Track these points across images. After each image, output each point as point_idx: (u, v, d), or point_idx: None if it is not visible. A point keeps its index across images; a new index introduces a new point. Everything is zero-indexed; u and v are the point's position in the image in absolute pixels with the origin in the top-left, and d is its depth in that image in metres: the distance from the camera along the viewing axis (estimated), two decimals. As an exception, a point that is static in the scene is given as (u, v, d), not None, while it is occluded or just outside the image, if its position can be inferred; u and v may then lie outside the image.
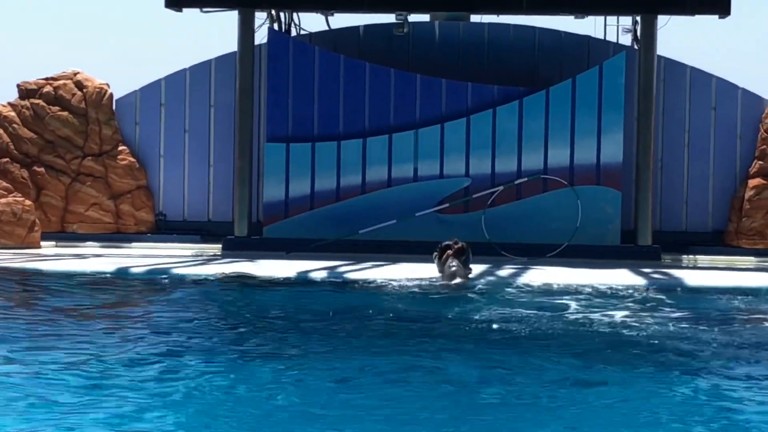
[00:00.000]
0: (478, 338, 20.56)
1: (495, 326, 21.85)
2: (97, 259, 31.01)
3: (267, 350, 19.16)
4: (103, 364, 17.31)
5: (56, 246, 32.97)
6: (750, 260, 32.27)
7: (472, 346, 19.52)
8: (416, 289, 26.54)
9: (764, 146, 33.18)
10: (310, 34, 35.12)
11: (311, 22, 35.69)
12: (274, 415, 14.49)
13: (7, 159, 33.99)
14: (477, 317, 22.73)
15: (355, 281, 28.71)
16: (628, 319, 23.02)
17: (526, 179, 32.53)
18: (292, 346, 20.15)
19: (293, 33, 35.00)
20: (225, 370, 17.20)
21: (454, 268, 26.70)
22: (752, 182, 32.88)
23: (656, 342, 20.41)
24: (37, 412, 14.31)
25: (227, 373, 16.98)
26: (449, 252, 27.58)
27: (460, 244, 27.60)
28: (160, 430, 13.31)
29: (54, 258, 31.60)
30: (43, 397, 15.07)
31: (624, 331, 22.24)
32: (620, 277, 28.68)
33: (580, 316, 23.46)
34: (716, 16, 32.24)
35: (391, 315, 23.01)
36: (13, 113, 34.34)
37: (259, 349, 19.32)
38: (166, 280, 28.28)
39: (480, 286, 27.26)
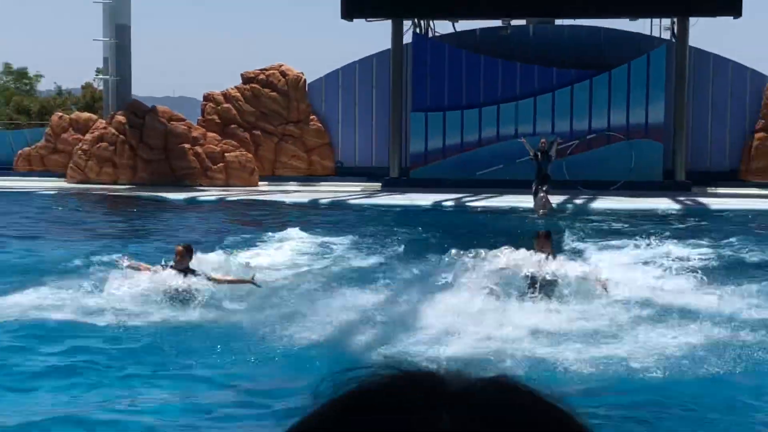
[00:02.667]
0: (559, 241, 22.13)
1: (571, 229, 25.13)
2: (294, 194, 33.90)
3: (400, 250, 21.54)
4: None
5: (268, 185, 36.50)
6: (757, 191, 34.05)
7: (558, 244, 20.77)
8: (518, 212, 29.28)
9: (766, 110, 36.08)
10: (441, 35, 38.29)
11: (442, 26, 38.67)
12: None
13: (235, 125, 38.06)
14: (557, 231, 24.11)
15: (473, 207, 31.54)
16: (666, 223, 26.73)
17: (594, 135, 35.76)
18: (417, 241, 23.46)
19: (429, 35, 38.07)
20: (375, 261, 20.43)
21: (542, 200, 28.72)
22: (757, 135, 36.01)
23: (691, 236, 24.02)
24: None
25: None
26: (542, 151, 29.37)
27: (543, 145, 29.73)
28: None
29: (267, 193, 34.57)
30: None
31: (664, 224, 26.30)
32: (663, 203, 31.28)
33: (624, 224, 26.65)
34: (732, 17, 34.98)
35: (502, 229, 25.44)
36: (238, 94, 38.45)
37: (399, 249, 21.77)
38: (341, 206, 31.29)
39: (560, 210, 29.97)
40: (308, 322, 14.46)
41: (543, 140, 30.39)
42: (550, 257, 14.30)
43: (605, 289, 14.10)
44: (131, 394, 11.24)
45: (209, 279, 14.46)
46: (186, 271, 14.29)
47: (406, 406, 0.81)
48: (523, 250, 14.88)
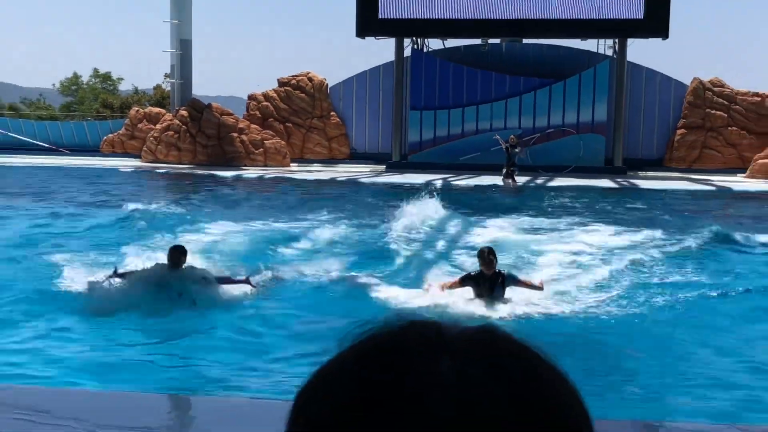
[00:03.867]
0: (522, 209, 23.02)
1: (531, 204, 24.64)
2: (317, 172, 34.31)
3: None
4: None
5: (297, 166, 36.86)
6: (677, 174, 34.48)
7: (517, 212, 22.21)
8: (490, 189, 29.12)
9: (686, 111, 36.39)
10: (434, 50, 38.11)
11: (435, 43, 38.42)
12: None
13: (272, 119, 38.49)
14: (521, 202, 25.34)
15: (451, 184, 31.28)
16: (605, 200, 26.66)
17: (552, 130, 35.84)
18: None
19: (424, 50, 37.90)
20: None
21: (509, 181, 29.25)
22: (678, 131, 36.44)
23: (620, 206, 24.39)
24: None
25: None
26: (512, 146, 29.43)
27: (512, 140, 29.89)
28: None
29: (296, 172, 34.89)
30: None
31: (603, 200, 26.19)
32: (604, 182, 31.62)
33: (578, 200, 26.31)
34: (660, 39, 35.15)
35: (478, 201, 25.45)
36: (274, 94, 38.92)
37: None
38: (355, 183, 31.43)
39: (523, 188, 30.10)
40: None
41: (512, 136, 30.74)
42: (491, 293, 10.91)
43: (542, 287, 11.37)
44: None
45: (205, 278, 11.62)
46: (181, 269, 11.47)
47: (411, 349, 0.77)
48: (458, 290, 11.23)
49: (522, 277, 11.72)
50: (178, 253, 11.60)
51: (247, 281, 11.98)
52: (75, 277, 12.84)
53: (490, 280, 10.74)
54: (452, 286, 11.00)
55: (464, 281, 10.91)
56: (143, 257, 13.92)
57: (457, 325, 0.81)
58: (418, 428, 0.72)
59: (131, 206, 21.58)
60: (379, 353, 0.78)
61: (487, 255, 10.85)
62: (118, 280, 11.57)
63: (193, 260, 12.68)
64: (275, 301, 12.05)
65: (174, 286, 11.39)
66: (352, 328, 0.81)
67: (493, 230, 19.12)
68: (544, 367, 0.80)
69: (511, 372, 0.77)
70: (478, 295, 10.85)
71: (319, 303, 12.02)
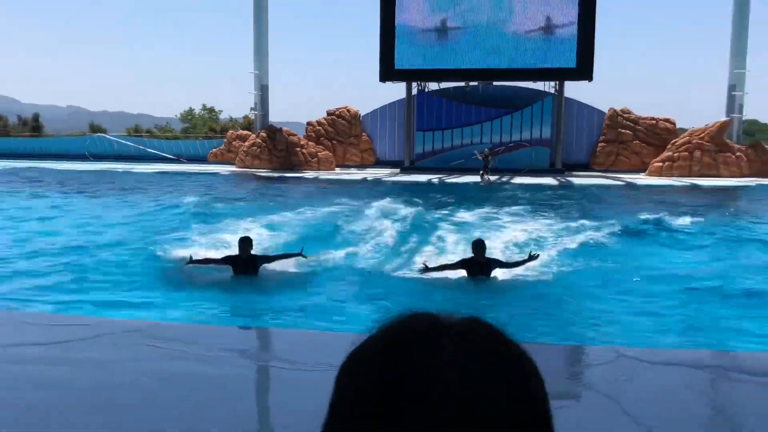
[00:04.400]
0: (494, 197, 22.77)
1: (501, 194, 24.56)
2: (353, 174, 33.79)
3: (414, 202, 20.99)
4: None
5: (340, 170, 36.46)
6: (599, 174, 33.98)
7: (491, 200, 21.55)
8: (471, 184, 28.85)
9: (605, 129, 36.10)
10: (432, 90, 37.41)
11: (432, 85, 37.44)
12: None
13: (323, 137, 38.44)
14: (493, 193, 25.34)
15: (445, 181, 30.83)
16: (550, 191, 26.43)
17: (512, 144, 35.74)
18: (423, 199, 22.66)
19: (425, 90, 37.28)
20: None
21: (485, 179, 29.22)
22: (600, 144, 36.27)
23: (564, 198, 23.40)
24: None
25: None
26: (486, 155, 29.48)
27: (486, 152, 30.08)
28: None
29: (339, 174, 34.46)
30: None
31: (548, 191, 25.79)
32: (549, 180, 31.10)
33: (528, 192, 25.81)
34: (587, 81, 34.51)
35: (463, 191, 25.57)
36: (324, 121, 38.89)
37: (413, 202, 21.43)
38: (379, 181, 30.69)
39: (494, 183, 29.66)
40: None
41: (486, 149, 31.02)
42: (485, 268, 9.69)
43: (534, 257, 9.96)
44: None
45: (266, 258, 9.94)
46: (248, 258, 9.67)
47: (420, 337, 0.64)
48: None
49: (504, 259, 10.44)
50: (245, 244, 9.76)
51: (299, 254, 10.09)
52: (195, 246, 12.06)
53: (480, 265, 9.56)
54: (452, 267, 9.72)
55: (460, 264, 9.66)
56: (234, 232, 13.31)
57: (451, 315, 0.69)
58: (423, 423, 0.60)
59: (231, 195, 21.96)
60: (395, 340, 0.65)
61: (478, 246, 9.65)
62: (191, 265, 9.66)
63: (265, 236, 12.23)
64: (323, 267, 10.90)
65: (245, 268, 9.75)
66: (379, 319, 0.70)
67: (472, 212, 18.78)
68: (524, 358, 0.67)
69: (509, 373, 0.64)
70: (471, 274, 9.63)
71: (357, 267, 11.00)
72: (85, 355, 5.41)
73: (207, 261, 10.00)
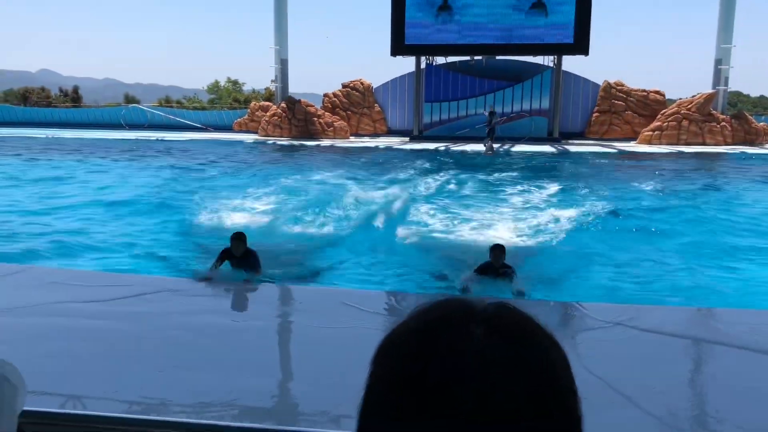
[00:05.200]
0: (496, 165, 22.61)
1: (503, 160, 24.53)
2: (367, 142, 33.55)
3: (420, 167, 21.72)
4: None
5: (354, 138, 36.22)
6: (593, 143, 33.58)
7: (495, 169, 21.76)
8: (477, 152, 28.82)
9: (600, 101, 35.46)
10: (439, 64, 36.72)
11: (439, 59, 36.70)
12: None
13: (338, 108, 37.87)
14: (494, 160, 24.95)
15: (454, 150, 30.42)
16: (551, 156, 26.40)
17: (513, 114, 35.29)
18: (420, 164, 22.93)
19: (433, 64, 36.58)
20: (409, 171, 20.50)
21: (488, 147, 28.62)
22: (594, 115, 35.70)
23: (562, 165, 23.52)
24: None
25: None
26: (492, 112, 29.69)
27: (492, 109, 30.27)
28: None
29: (354, 141, 34.24)
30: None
31: (551, 158, 25.54)
32: (547, 148, 30.86)
33: (532, 159, 25.83)
34: (584, 55, 33.68)
35: (468, 160, 25.24)
36: (340, 93, 38.21)
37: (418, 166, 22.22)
38: (390, 149, 30.49)
39: (499, 150, 29.18)
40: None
41: (491, 107, 32.01)
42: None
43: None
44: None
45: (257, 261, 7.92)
46: (242, 257, 7.82)
47: (447, 326, 0.60)
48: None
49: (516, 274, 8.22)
50: (238, 241, 7.93)
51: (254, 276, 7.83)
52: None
53: (496, 270, 8.03)
54: (474, 276, 8.16)
55: (479, 271, 8.17)
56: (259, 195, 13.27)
57: (481, 300, 0.65)
58: (443, 414, 0.57)
59: (254, 162, 21.91)
60: (431, 322, 0.62)
61: (497, 250, 8.15)
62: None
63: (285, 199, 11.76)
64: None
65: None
66: (419, 303, 0.66)
67: (476, 179, 18.57)
68: (552, 350, 0.62)
69: (531, 365, 0.59)
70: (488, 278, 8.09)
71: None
72: (128, 310, 5.55)
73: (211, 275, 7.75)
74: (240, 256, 7.96)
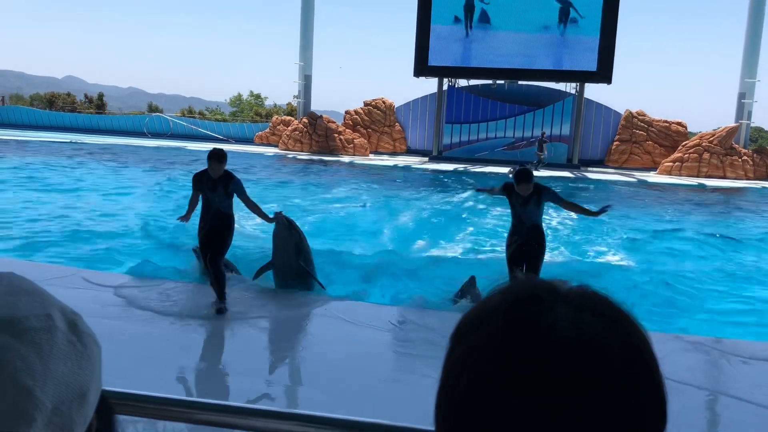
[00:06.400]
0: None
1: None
2: (386, 161, 33.46)
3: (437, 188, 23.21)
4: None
5: (374, 156, 36.25)
6: (613, 170, 33.42)
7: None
8: (499, 174, 28.68)
9: (620, 130, 35.41)
10: (461, 86, 36.90)
11: (461, 82, 37.02)
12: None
13: (359, 126, 37.85)
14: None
15: (472, 171, 30.44)
16: (570, 182, 26.05)
17: (534, 138, 34.62)
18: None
19: (455, 86, 36.69)
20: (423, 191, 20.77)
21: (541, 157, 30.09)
22: (615, 143, 35.60)
23: (581, 192, 21.89)
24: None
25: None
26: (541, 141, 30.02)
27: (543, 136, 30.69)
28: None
29: (373, 159, 34.10)
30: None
31: (567, 182, 27.80)
32: (565, 174, 30.67)
33: (549, 184, 28.46)
34: (606, 84, 33.93)
35: (489, 182, 25.33)
36: (361, 111, 38.34)
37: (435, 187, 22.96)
38: (409, 168, 30.59)
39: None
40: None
41: (543, 132, 32.17)
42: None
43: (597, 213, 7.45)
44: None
45: (242, 193, 6.98)
46: (223, 177, 6.86)
47: (540, 300, 0.62)
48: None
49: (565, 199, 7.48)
50: (216, 159, 6.85)
51: (272, 219, 7.51)
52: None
53: (522, 199, 7.25)
54: (498, 192, 7.60)
55: (501, 190, 7.45)
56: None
57: (564, 283, 0.66)
58: (549, 348, 0.59)
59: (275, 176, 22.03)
60: (517, 301, 0.64)
61: (521, 176, 7.22)
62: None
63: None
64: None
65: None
66: (491, 285, 0.67)
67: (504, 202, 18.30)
68: (637, 327, 0.64)
69: (623, 336, 0.62)
70: (512, 206, 7.46)
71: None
72: (128, 309, 5.85)
73: (190, 212, 7.09)
74: (216, 179, 6.92)
